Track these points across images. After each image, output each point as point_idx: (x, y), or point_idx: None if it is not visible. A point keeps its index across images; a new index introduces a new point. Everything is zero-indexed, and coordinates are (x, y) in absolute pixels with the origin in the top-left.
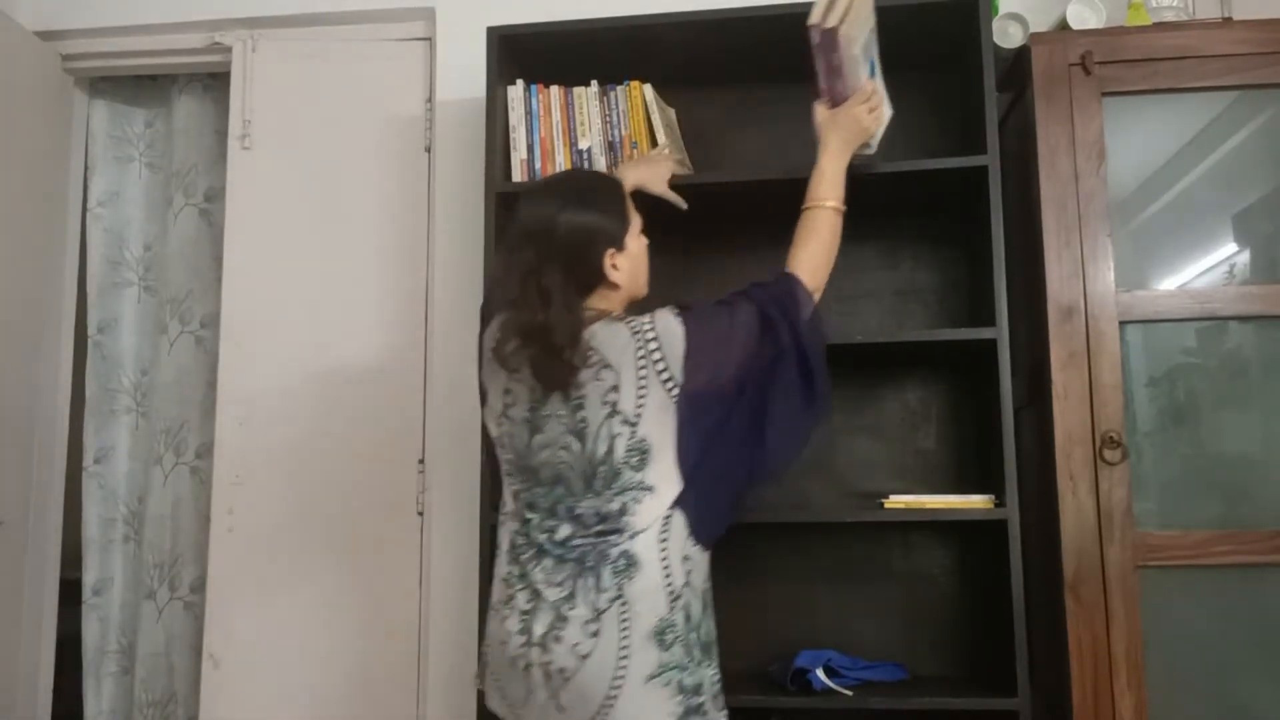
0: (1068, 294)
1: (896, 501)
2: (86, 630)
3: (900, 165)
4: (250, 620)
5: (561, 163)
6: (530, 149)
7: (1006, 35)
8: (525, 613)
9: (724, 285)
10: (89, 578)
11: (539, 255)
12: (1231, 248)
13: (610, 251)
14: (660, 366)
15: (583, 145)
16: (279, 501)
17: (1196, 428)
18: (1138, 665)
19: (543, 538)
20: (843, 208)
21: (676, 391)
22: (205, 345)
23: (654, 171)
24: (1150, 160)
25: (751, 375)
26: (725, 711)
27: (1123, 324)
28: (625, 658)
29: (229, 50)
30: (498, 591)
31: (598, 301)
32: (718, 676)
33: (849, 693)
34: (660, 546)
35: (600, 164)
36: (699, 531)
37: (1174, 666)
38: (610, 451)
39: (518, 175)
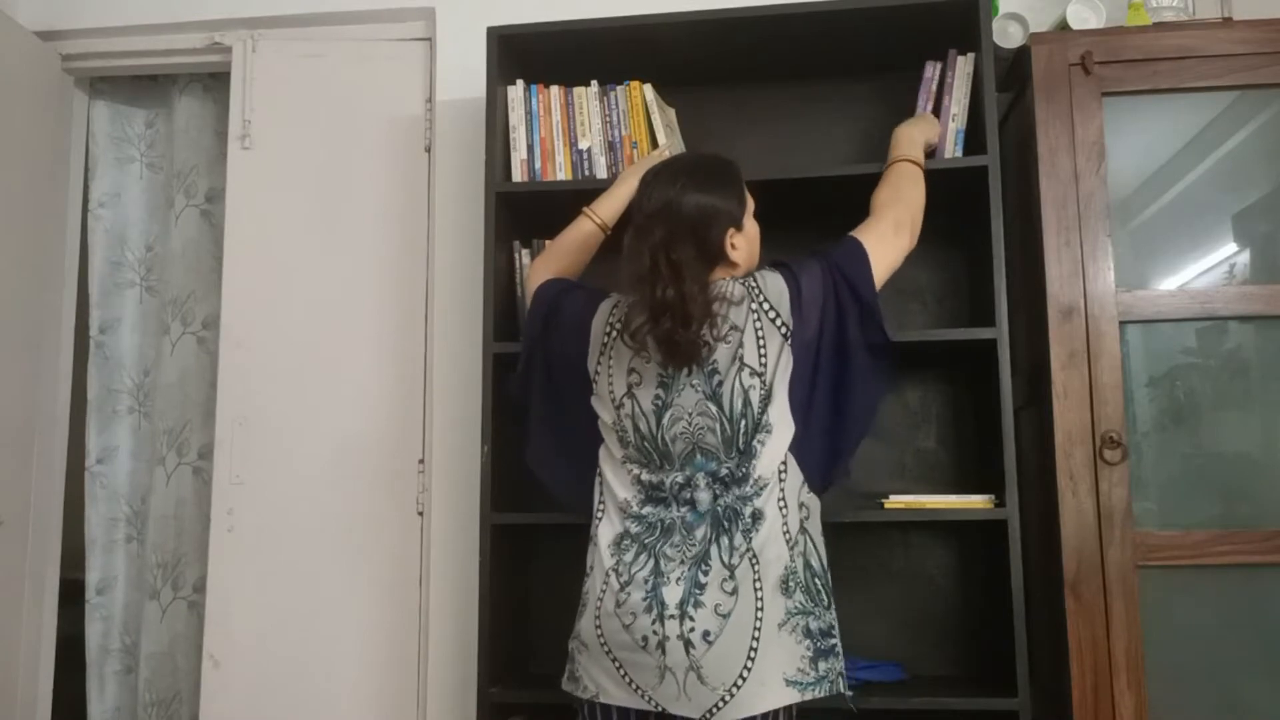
0: (1068, 294)
1: (896, 501)
2: (90, 630)
3: None
4: (250, 620)
5: (561, 163)
6: (530, 149)
7: (1006, 35)
8: (649, 591)
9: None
10: (92, 577)
11: (669, 233)
12: (1231, 248)
13: (731, 231)
14: (772, 315)
15: (583, 145)
16: (279, 501)
17: (1196, 428)
18: (1138, 665)
19: (675, 516)
20: (920, 162)
21: (791, 338)
22: (207, 346)
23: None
24: (1150, 160)
25: (828, 328)
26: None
27: (1123, 324)
28: (760, 609)
29: (229, 50)
30: (601, 585)
31: (724, 272)
32: (835, 620)
33: (849, 693)
34: (780, 496)
35: (600, 164)
36: (812, 477)
37: (1174, 666)
38: (747, 404)
39: (518, 175)
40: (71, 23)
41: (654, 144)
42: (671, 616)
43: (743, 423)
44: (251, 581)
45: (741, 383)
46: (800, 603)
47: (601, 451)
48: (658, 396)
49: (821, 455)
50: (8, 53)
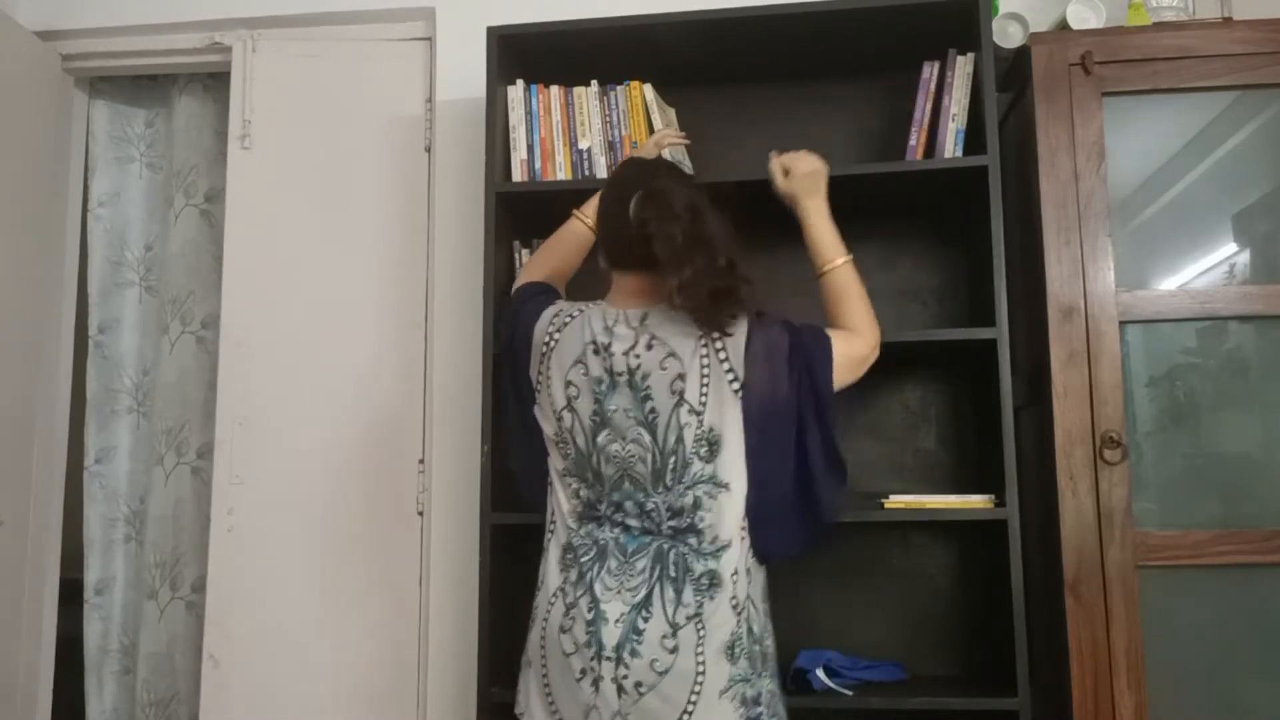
0: (1068, 294)
1: (896, 501)
2: (88, 630)
3: (900, 165)
4: (250, 620)
5: (561, 163)
6: (530, 149)
7: (1006, 35)
8: (590, 624)
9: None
10: (91, 577)
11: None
12: (1231, 248)
13: None
14: (722, 356)
15: (583, 145)
16: (279, 502)
17: (1196, 428)
18: (1138, 665)
19: (609, 537)
20: (851, 256)
21: (738, 386)
22: (206, 345)
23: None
24: (1150, 160)
25: (786, 402)
26: (779, 718)
27: (1123, 324)
28: (702, 673)
29: (229, 50)
30: (548, 604)
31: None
32: (775, 685)
33: (849, 693)
34: (736, 563)
35: (600, 164)
36: (760, 550)
37: (1174, 666)
38: (680, 441)
39: (518, 175)
40: (71, 23)
41: None
42: (608, 659)
43: (673, 459)
44: (251, 581)
45: (679, 418)
46: (743, 669)
47: (549, 462)
48: (595, 412)
49: (779, 534)
50: (8, 53)
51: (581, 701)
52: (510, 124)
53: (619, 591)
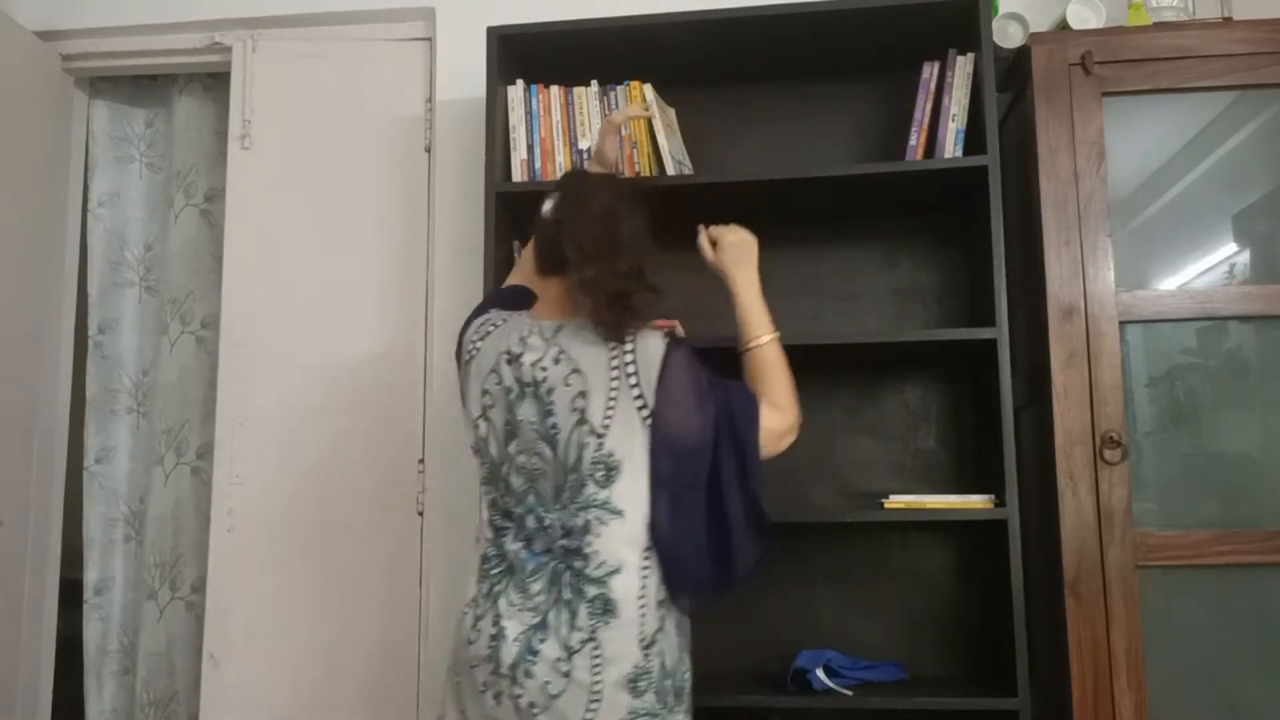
0: (1068, 294)
1: (896, 501)
2: (88, 630)
3: (900, 165)
4: (250, 620)
5: (561, 163)
6: (530, 149)
7: (1006, 35)
8: (493, 639)
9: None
10: (90, 577)
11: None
12: (1231, 248)
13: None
14: (633, 382)
15: (583, 145)
16: (279, 502)
17: (1196, 428)
18: (1138, 665)
19: (514, 549)
20: (777, 335)
21: (648, 414)
22: (206, 345)
23: (610, 139)
24: (1150, 160)
25: (702, 448)
26: None
27: (1123, 324)
28: (596, 702)
29: (229, 50)
30: (462, 613)
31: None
32: None
33: (849, 693)
34: (640, 590)
35: None
36: (671, 581)
37: (1174, 666)
38: (579, 461)
39: (518, 175)
40: (71, 23)
41: (654, 145)
42: (505, 676)
43: (571, 477)
44: (251, 581)
45: (579, 437)
46: (649, 704)
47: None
48: (508, 421)
49: (686, 576)
50: (8, 53)
51: (485, 713)
52: (510, 124)
53: (520, 610)
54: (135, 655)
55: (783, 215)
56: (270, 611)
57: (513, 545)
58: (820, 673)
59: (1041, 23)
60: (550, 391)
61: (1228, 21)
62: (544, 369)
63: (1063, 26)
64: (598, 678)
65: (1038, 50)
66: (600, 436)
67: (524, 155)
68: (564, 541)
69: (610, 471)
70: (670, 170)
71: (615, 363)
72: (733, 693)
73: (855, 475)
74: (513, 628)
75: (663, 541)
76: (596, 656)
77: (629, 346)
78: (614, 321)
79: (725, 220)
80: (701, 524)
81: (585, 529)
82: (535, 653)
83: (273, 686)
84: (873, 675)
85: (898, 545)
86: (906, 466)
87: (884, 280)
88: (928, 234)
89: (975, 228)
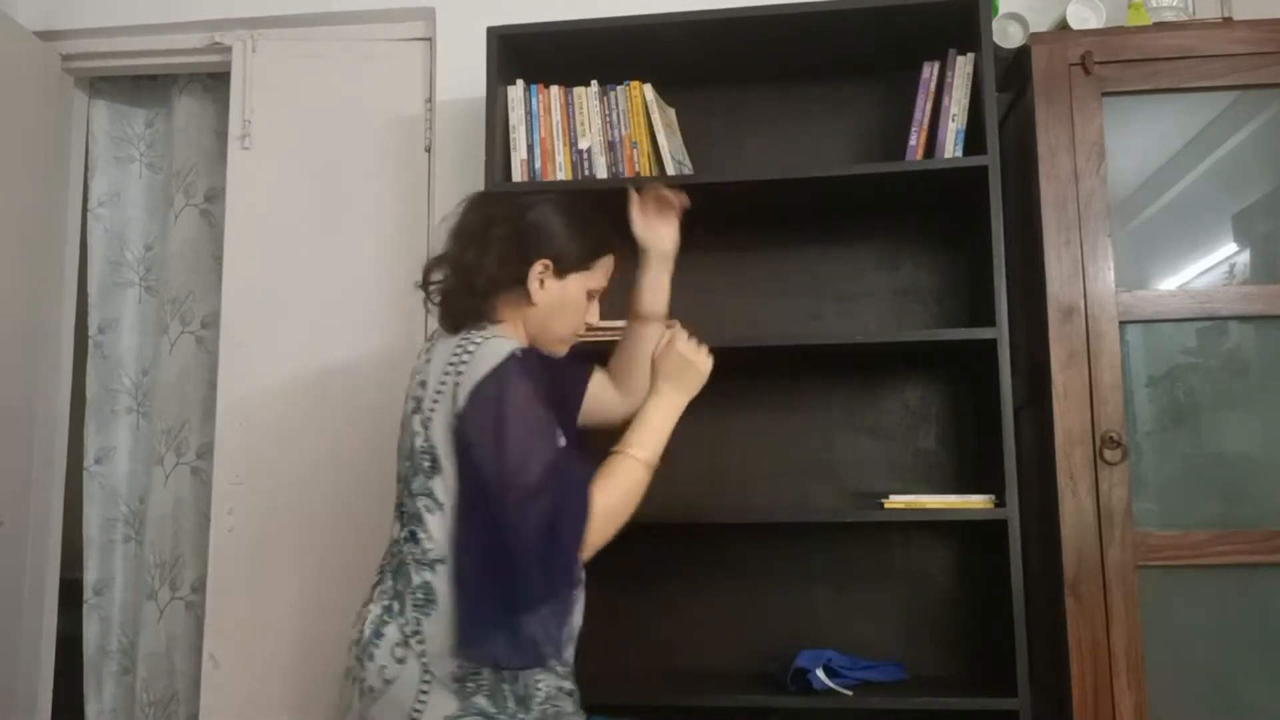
0: (1068, 294)
1: (896, 501)
2: (87, 630)
3: (900, 165)
4: (250, 620)
5: (561, 163)
6: (530, 149)
7: (1006, 35)
8: (358, 618)
9: (723, 285)
10: (90, 578)
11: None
12: (1231, 248)
13: (546, 266)
14: (458, 381)
15: (583, 145)
16: (279, 502)
17: (1196, 428)
18: (1138, 665)
19: (392, 533)
20: (655, 463)
21: (456, 419)
22: (206, 345)
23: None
24: (1150, 160)
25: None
26: None
27: (1123, 324)
28: (425, 695)
29: (229, 50)
30: None
31: (505, 309)
32: None
33: (849, 693)
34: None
35: (600, 164)
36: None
37: (1174, 666)
38: (412, 449)
39: (518, 175)
40: (71, 23)
41: (654, 144)
42: (356, 657)
43: (406, 464)
44: (251, 581)
45: (414, 424)
46: (481, 706)
47: None
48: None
49: (466, 617)
50: (8, 53)
51: (343, 696)
52: (510, 124)
53: (379, 593)
54: (135, 655)
55: (783, 215)
56: (270, 611)
57: (392, 529)
58: (820, 673)
59: (1041, 23)
60: (411, 378)
61: (1228, 21)
62: (422, 360)
63: (1063, 26)
64: (426, 673)
65: (1038, 50)
66: (426, 427)
67: (524, 155)
68: (409, 527)
69: (433, 463)
70: (670, 170)
71: (453, 359)
72: (733, 693)
73: (855, 475)
74: (373, 610)
75: (461, 551)
76: (423, 651)
77: (471, 347)
78: (441, 316)
79: (725, 220)
80: (485, 549)
81: (417, 516)
82: (380, 636)
83: (273, 686)
84: (873, 675)
85: (898, 545)
86: (906, 466)
87: (884, 280)
88: (928, 234)
89: (975, 228)
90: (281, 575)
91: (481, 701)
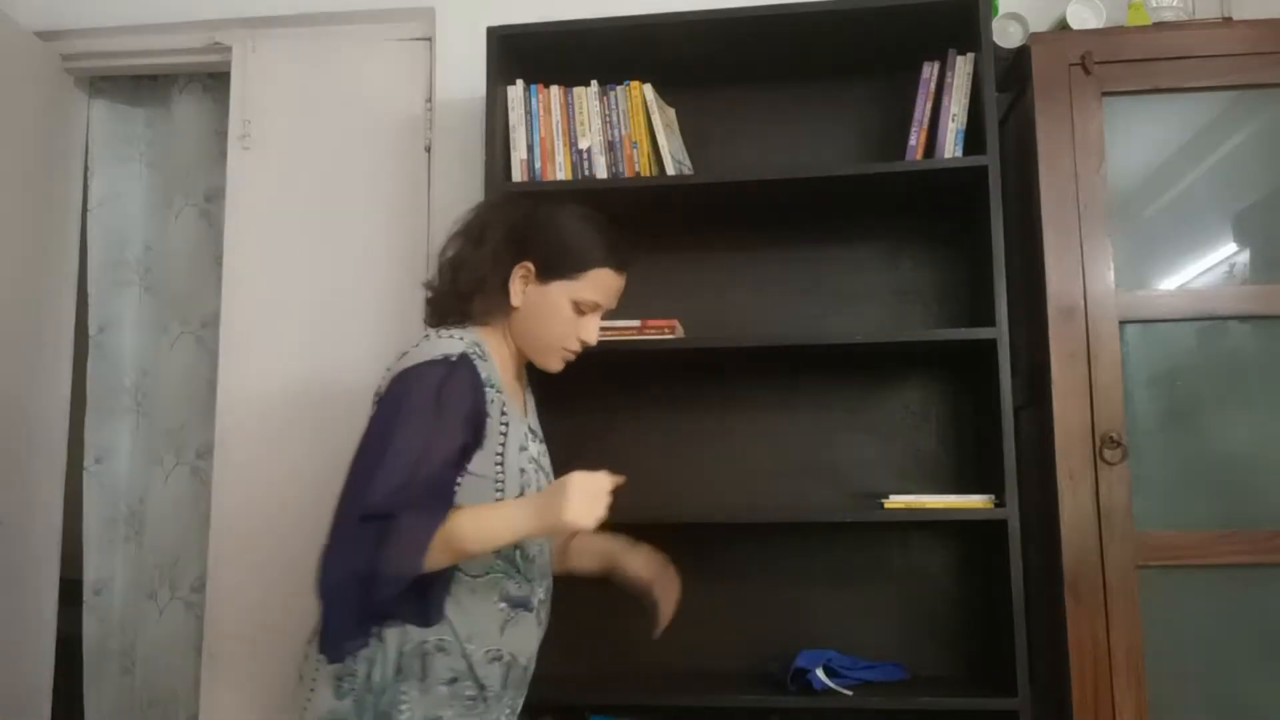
0: (1068, 294)
1: (896, 501)
2: (87, 630)
3: (900, 165)
4: (250, 620)
5: (561, 163)
6: (530, 149)
7: (1006, 35)
8: None
9: (724, 285)
10: (89, 577)
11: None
12: (1231, 248)
13: (527, 269)
14: (384, 376)
15: (583, 145)
16: (279, 502)
17: (1196, 427)
18: (1138, 665)
19: None
20: (470, 552)
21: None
22: (206, 345)
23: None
24: (1150, 160)
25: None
26: None
27: (1123, 324)
28: (311, 691)
29: (229, 50)
30: None
31: (492, 311)
32: None
33: (849, 693)
34: None
35: (600, 164)
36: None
37: (1174, 666)
38: None
39: (518, 175)
40: (71, 23)
41: (654, 144)
42: None
43: None
44: (251, 581)
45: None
46: (346, 710)
47: None
48: None
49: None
50: (8, 53)
51: None
52: (510, 124)
53: None
54: (135, 655)
55: (783, 215)
56: (270, 611)
57: None
58: (820, 673)
59: (1041, 23)
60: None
61: (1228, 21)
62: None
63: (1063, 26)
64: (317, 666)
65: (1038, 50)
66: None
67: (524, 155)
68: None
69: None
70: (670, 170)
71: (392, 364)
72: (733, 693)
73: (855, 475)
74: None
75: None
76: (313, 651)
77: (418, 342)
78: (427, 313)
79: (725, 220)
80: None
81: None
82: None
83: (273, 686)
84: (873, 675)
85: (898, 545)
86: (906, 466)
87: (884, 280)
88: (928, 234)
89: (975, 228)
90: (281, 575)
91: (348, 706)
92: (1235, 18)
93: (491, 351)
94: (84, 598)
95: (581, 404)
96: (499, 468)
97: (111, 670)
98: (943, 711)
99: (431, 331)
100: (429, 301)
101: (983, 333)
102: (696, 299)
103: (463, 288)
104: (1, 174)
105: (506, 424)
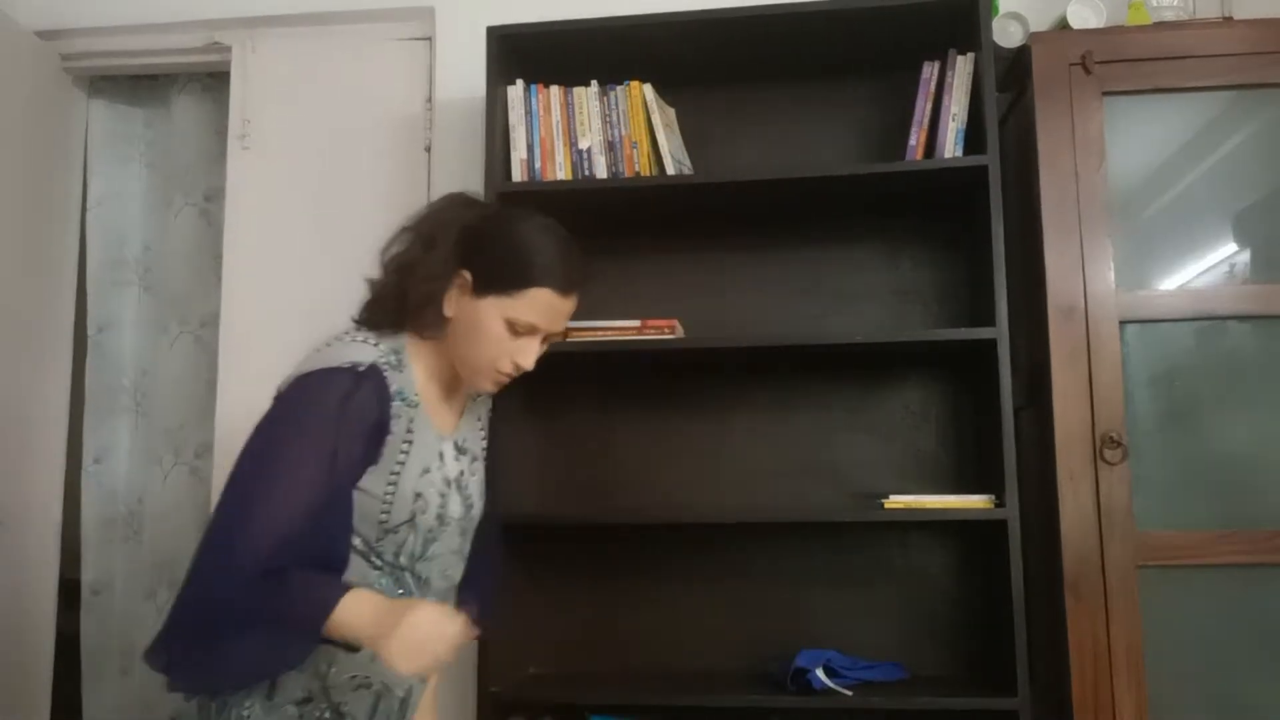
0: (1068, 294)
1: (896, 501)
2: (85, 630)
3: (900, 165)
4: None
5: (561, 163)
6: (530, 149)
7: (1006, 35)
8: None
9: (724, 285)
10: (88, 577)
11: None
12: (1231, 248)
13: (465, 279)
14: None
15: (583, 145)
16: None
17: (1196, 427)
18: (1138, 664)
19: None
20: (320, 635)
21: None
22: (205, 345)
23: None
24: (1150, 160)
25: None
26: None
27: (1123, 323)
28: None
29: (229, 50)
30: None
31: (419, 318)
32: None
33: (849, 693)
34: None
35: (600, 164)
36: None
37: (1174, 666)
38: None
39: (518, 175)
40: (71, 22)
41: (654, 144)
42: None
43: None
44: None
45: None
46: (191, 713)
47: None
48: None
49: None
50: (8, 52)
51: None
52: (510, 124)
53: None
54: (134, 655)
55: (783, 215)
56: None
57: None
58: (820, 673)
59: (1041, 22)
60: None
61: (1228, 21)
62: None
63: (1063, 26)
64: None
65: (1038, 50)
66: None
67: (524, 155)
68: None
69: None
70: (670, 170)
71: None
72: (733, 693)
73: (855, 475)
74: None
75: None
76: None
77: (328, 342)
78: (365, 315)
79: (725, 220)
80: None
81: None
82: None
83: None
84: (873, 675)
85: (898, 545)
86: (906, 466)
87: (884, 280)
88: (928, 234)
89: (975, 227)
90: None
91: (191, 709)
92: (1235, 17)
93: (413, 360)
94: (82, 598)
95: (581, 404)
96: (390, 488)
97: (111, 670)
98: (943, 711)
99: (350, 332)
100: (369, 304)
101: (983, 333)
102: (696, 299)
103: (410, 294)
104: (1, 174)
105: (410, 442)
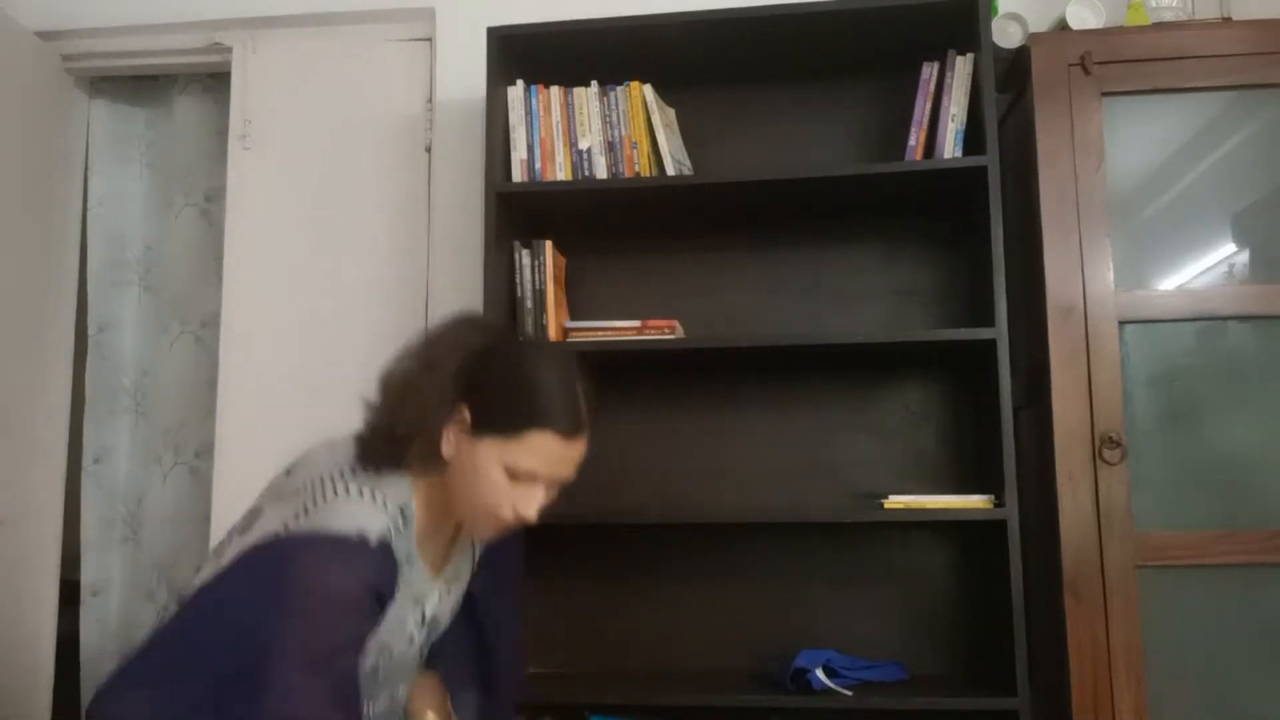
0: (1067, 294)
1: (896, 501)
2: (85, 631)
3: (900, 165)
4: None
5: (561, 163)
6: (530, 149)
7: (1006, 35)
8: None
9: (723, 285)
10: (87, 578)
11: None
12: (1231, 248)
13: (461, 424)
14: (282, 526)
15: (583, 145)
16: None
17: (1196, 427)
18: (1138, 665)
19: None
20: None
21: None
22: (205, 345)
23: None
24: (1150, 160)
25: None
26: None
27: (1122, 324)
28: None
29: (229, 50)
30: None
31: (416, 454)
32: None
33: (849, 693)
34: None
35: (600, 165)
36: None
37: (1174, 666)
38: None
39: (518, 175)
40: (71, 23)
41: (654, 144)
42: None
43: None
44: None
45: (226, 539)
46: None
47: None
48: None
49: None
50: (8, 53)
51: None
52: (510, 124)
53: None
54: None
55: (783, 215)
56: None
57: None
58: (820, 673)
59: (1041, 23)
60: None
61: (1227, 21)
62: (289, 470)
63: (1062, 26)
64: None
65: (1037, 50)
66: (219, 553)
67: (524, 155)
68: None
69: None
70: (670, 170)
71: (307, 497)
72: (733, 693)
73: (855, 475)
74: None
75: None
76: None
77: (330, 495)
78: (359, 451)
79: (725, 220)
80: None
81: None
82: None
83: None
84: (873, 675)
85: (898, 545)
86: (906, 466)
87: (884, 280)
88: (927, 234)
89: (975, 228)
90: None
91: None
92: (1235, 18)
93: (419, 510)
94: (81, 598)
95: None
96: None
97: (110, 671)
98: (942, 711)
99: (352, 485)
100: (362, 439)
101: (982, 333)
102: (696, 299)
103: (399, 426)
104: (2, 174)
105: (395, 600)
